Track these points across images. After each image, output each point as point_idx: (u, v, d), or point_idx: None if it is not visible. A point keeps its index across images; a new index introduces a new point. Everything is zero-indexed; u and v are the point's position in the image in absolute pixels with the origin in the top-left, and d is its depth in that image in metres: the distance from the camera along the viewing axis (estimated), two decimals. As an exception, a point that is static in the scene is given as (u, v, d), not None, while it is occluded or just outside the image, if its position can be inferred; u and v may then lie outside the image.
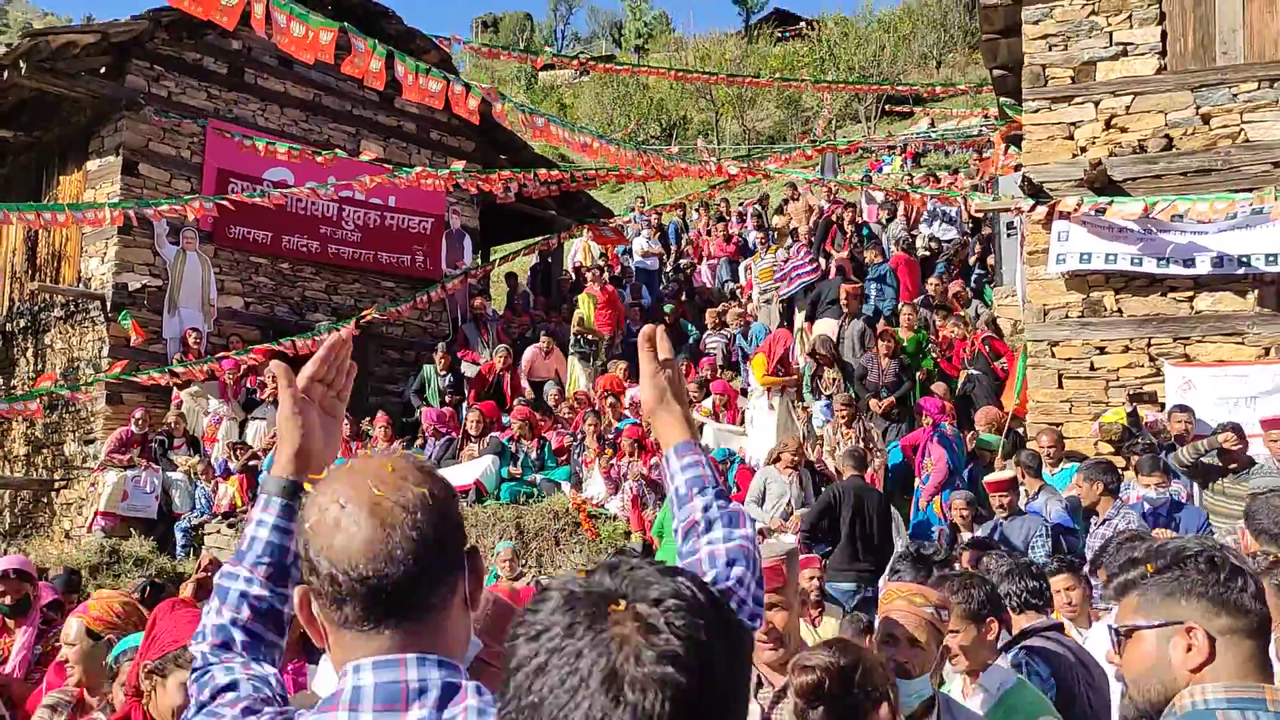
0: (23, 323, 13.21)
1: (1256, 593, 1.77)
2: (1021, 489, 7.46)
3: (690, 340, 12.92)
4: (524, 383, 12.01)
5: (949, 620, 2.87)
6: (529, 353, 12.44)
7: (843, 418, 8.79)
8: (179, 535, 10.75)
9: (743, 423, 10.03)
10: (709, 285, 14.97)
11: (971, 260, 13.29)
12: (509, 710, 0.92)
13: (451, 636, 1.31)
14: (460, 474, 9.89)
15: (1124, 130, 8.31)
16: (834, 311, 10.84)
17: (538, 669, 0.90)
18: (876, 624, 2.97)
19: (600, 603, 0.92)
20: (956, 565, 4.26)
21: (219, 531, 10.66)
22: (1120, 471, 6.97)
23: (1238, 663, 1.73)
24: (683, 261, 15.98)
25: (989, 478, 6.87)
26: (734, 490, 8.75)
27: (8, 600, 4.56)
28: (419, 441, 10.96)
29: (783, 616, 2.56)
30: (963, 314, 10.91)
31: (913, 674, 2.57)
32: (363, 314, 12.46)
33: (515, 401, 10.96)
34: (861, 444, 8.52)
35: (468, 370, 12.13)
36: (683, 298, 14.33)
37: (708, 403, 10.30)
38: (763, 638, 2.54)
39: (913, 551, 3.43)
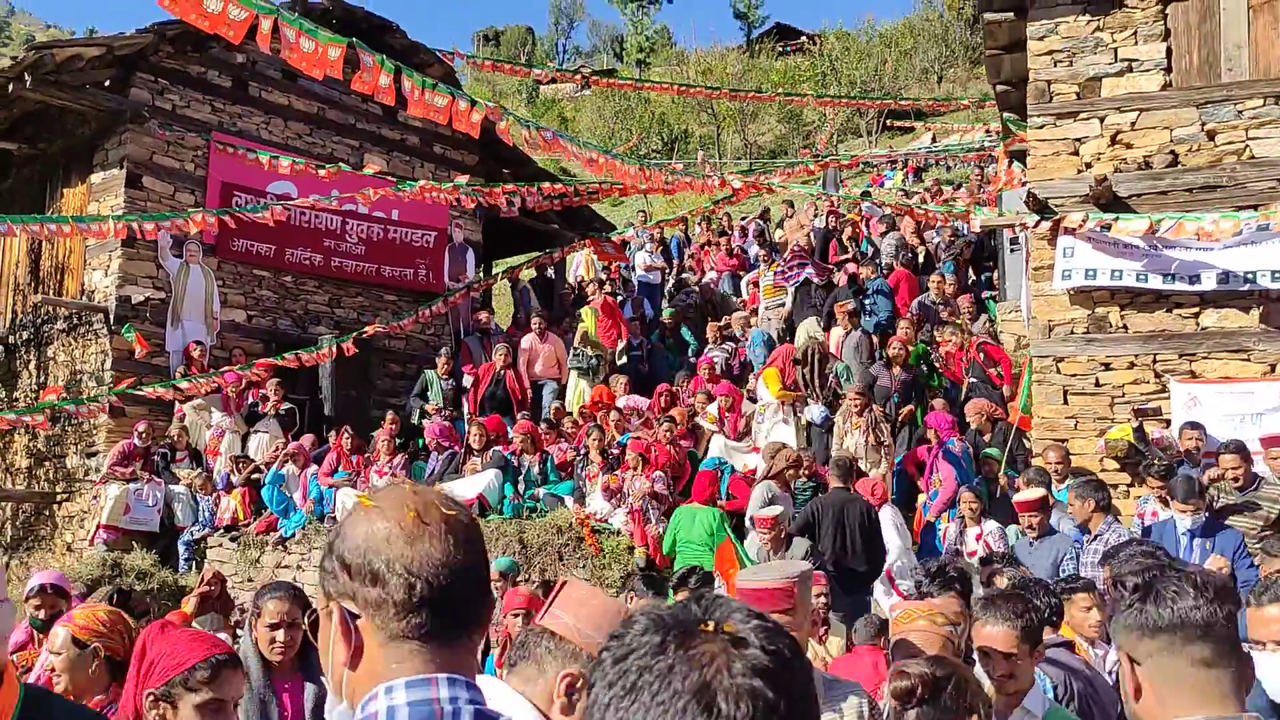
0: (26, 335, 13.20)
1: (1211, 614, 1.74)
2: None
3: (690, 350, 12.91)
4: (526, 383, 11.98)
5: (964, 637, 2.88)
6: (525, 342, 12.40)
7: (855, 407, 8.82)
8: (181, 549, 10.72)
9: (748, 431, 10.01)
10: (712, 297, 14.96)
11: (973, 267, 13.31)
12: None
13: (475, 661, 1.35)
14: (463, 488, 9.86)
15: (1129, 146, 8.31)
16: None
17: (630, 686, 0.95)
18: (892, 640, 2.97)
19: (689, 624, 0.98)
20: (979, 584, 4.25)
21: (221, 545, 10.63)
22: (1109, 487, 6.97)
23: (1192, 686, 1.71)
24: (685, 275, 15.98)
25: (1018, 497, 6.74)
26: (727, 499, 8.81)
27: (41, 614, 4.62)
28: (418, 454, 10.91)
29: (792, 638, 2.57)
30: (958, 321, 10.90)
31: None
32: (364, 330, 12.44)
33: (520, 415, 10.94)
34: (873, 435, 8.67)
35: (469, 382, 12.12)
36: (693, 304, 14.27)
37: (713, 408, 10.29)
38: None
39: (942, 569, 3.41)
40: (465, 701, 1.25)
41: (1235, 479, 6.56)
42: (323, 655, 1.34)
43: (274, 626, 3.78)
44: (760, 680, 0.93)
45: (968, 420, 9.20)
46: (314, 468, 10.60)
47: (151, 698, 2.47)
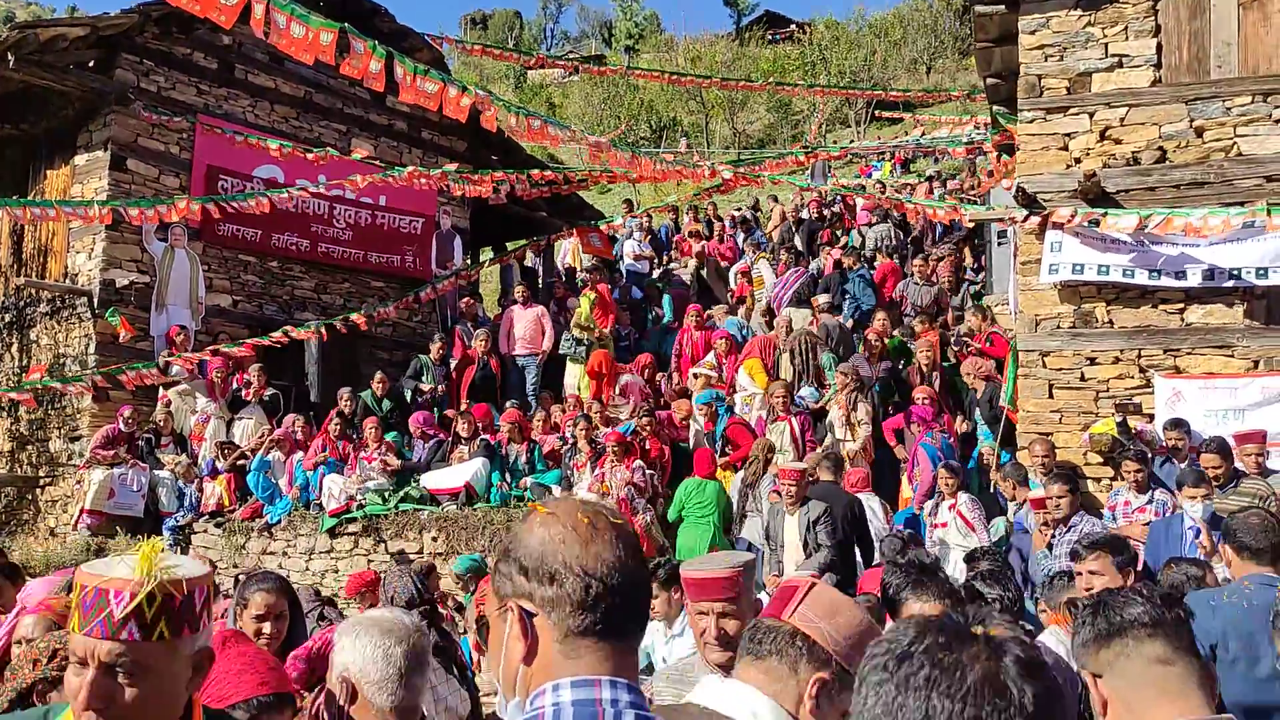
0: (8, 318, 13.08)
1: (1139, 609, 1.80)
2: (1011, 504, 7.53)
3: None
4: (516, 349, 11.98)
5: None
6: (511, 314, 12.35)
7: (840, 384, 8.92)
8: (166, 534, 10.66)
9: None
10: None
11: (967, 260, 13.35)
12: (856, 705, 1.11)
13: (637, 663, 1.44)
14: (450, 477, 9.86)
15: (1118, 142, 8.34)
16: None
17: (922, 681, 1.07)
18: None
19: (962, 629, 1.12)
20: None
21: (206, 531, 10.59)
22: (1086, 480, 7.03)
23: (1154, 685, 1.75)
24: (672, 265, 15.97)
25: (1033, 495, 6.81)
26: (727, 446, 9.25)
27: None
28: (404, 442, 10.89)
29: (735, 625, 2.64)
30: (983, 304, 10.92)
31: None
32: (349, 317, 12.37)
33: (508, 403, 10.92)
34: (859, 412, 8.94)
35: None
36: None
37: (711, 357, 10.39)
38: (713, 641, 2.66)
39: (916, 563, 3.46)
40: (626, 705, 1.32)
41: (1216, 477, 6.62)
42: (493, 654, 1.41)
43: (260, 618, 3.72)
44: (1036, 672, 1.08)
45: (963, 375, 9.39)
46: (299, 454, 10.56)
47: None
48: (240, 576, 8.09)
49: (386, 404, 11.37)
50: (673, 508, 8.82)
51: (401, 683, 2.40)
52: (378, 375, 11.74)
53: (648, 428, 9.54)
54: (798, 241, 14.56)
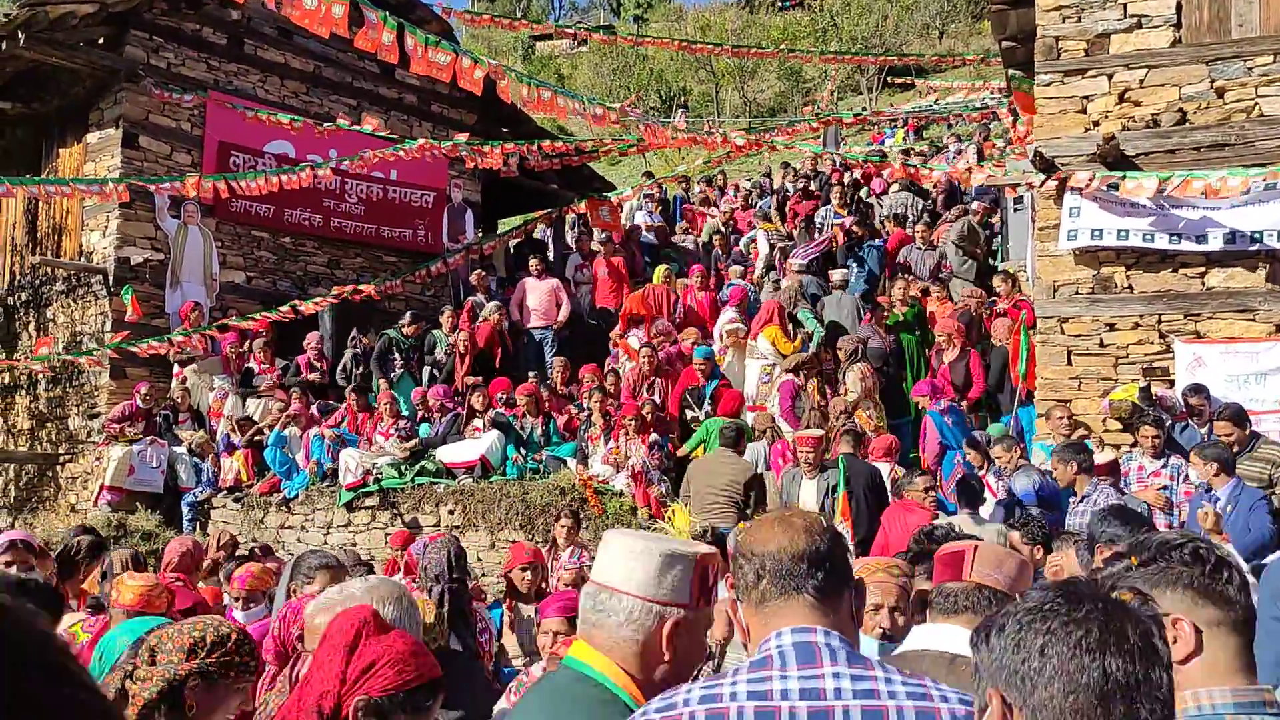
0: (24, 296, 13.14)
1: (1241, 585, 1.80)
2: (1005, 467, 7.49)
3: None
4: (530, 321, 11.99)
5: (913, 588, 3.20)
6: (524, 285, 12.33)
7: (866, 382, 8.93)
8: (185, 509, 10.74)
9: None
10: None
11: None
12: (1013, 666, 1.27)
13: (844, 626, 1.73)
14: (465, 450, 9.89)
15: (1137, 104, 8.22)
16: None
17: (1100, 642, 1.24)
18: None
19: (1083, 594, 1.31)
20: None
21: (225, 506, 10.67)
22: (1123, 449, 6.98)
23: (1227, 657, 1.74)
24: (684, 236, 15.88)
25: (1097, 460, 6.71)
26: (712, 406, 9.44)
27: (14, 570, 4.58)
28: (420, 416, 10.89)
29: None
30: (1010, 269, 10.86)
31: (896, 639, 2.84)
32: (358, 287, 12.36)
33: (531, 375, 10.94)
34: (848, 380, 9.05)
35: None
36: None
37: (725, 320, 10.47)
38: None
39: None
40: (838, 645, 1.66)
41: (1231, 445, 6.58)
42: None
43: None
44: (1147, 625, 1.27)
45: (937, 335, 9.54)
46: (315, 429, 10.59)
47: (364, 705, 1.97)
48: (256, 549, 8.20)
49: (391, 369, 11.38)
50: (690, 442, 9.11)
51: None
52: (409, 316, 11.75)
53: (649, 360, 9.86)
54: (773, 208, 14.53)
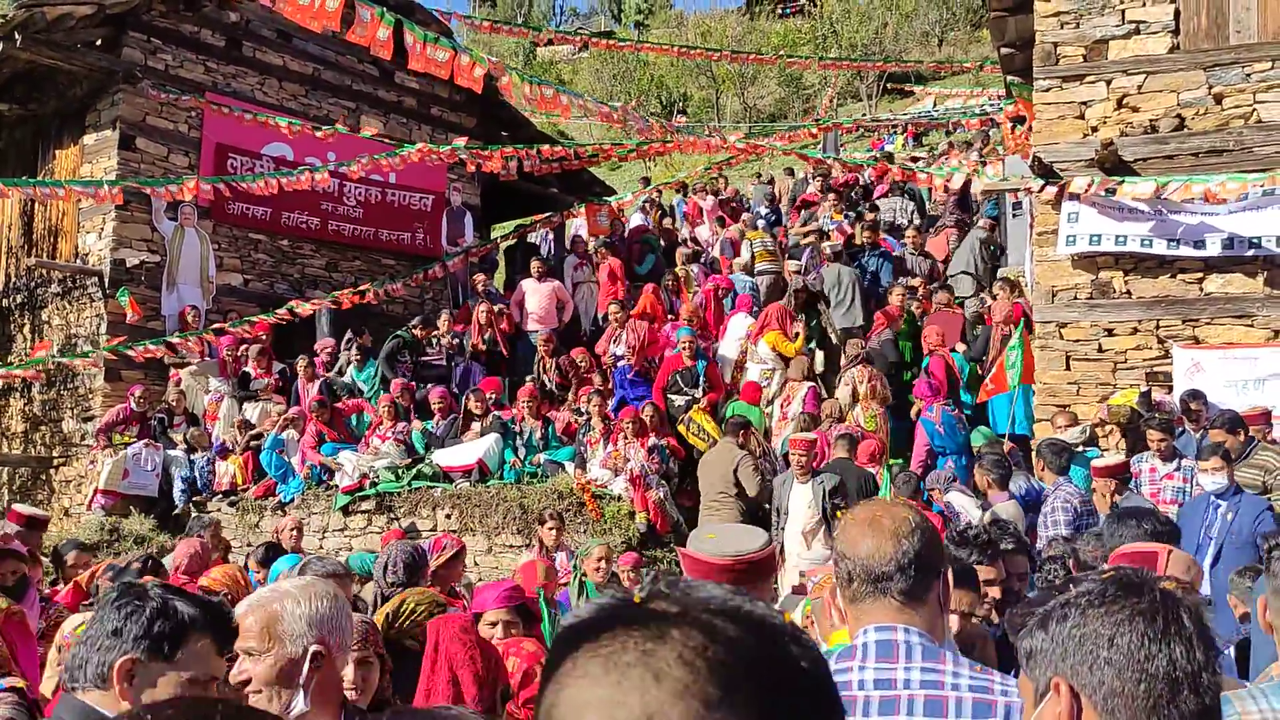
0: (19, 298, 13.10)
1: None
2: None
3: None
4: (529, 324, 11.95)
5: None
6: (522, 288, 12.30)
7: (870, 387, 8.94)
8: (179, 496, 10.68)
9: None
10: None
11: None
12: (1080, 655, 1.30)
13: (929, 624, 1.85)
14: (463, 453, 9.85)
15: (1135, 110, 8.22)
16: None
17: (1163, 632, 1.28)
18: (813, 606, 3.19)
19: (1139, 583, 1.35)
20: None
21: (220, 510, 10.61)
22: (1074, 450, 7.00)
23: None
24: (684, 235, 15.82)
25: (1097, 462, 6.57)
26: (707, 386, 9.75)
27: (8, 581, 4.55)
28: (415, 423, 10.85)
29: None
30: (1010, 276, 10.88)
31: None
32: (360, 290, 12.34)
33: (529, 379, 10.90)
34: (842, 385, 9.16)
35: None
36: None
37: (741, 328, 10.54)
38: None
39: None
40: (918, 643, 1.80)
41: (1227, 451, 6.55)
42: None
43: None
44: (1198, 614, 1.32)
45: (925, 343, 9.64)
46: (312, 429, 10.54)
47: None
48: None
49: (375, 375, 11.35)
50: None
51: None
52: (416, 320, 11.73)
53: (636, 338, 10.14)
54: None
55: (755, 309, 10.81)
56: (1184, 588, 2.78)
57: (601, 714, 0.70)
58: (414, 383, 11.10)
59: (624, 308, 11.04)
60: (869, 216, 12.84)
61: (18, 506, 6.14)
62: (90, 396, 11.96)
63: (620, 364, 10.60)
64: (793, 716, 0.70)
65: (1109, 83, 8.29)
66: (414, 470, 9.81)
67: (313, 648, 2.04)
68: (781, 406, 9.45)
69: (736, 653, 0.71)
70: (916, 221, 13.35)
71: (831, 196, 14.41)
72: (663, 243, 14.29)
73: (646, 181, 17.27)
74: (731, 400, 9.77)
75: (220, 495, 10.66)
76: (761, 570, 2.47)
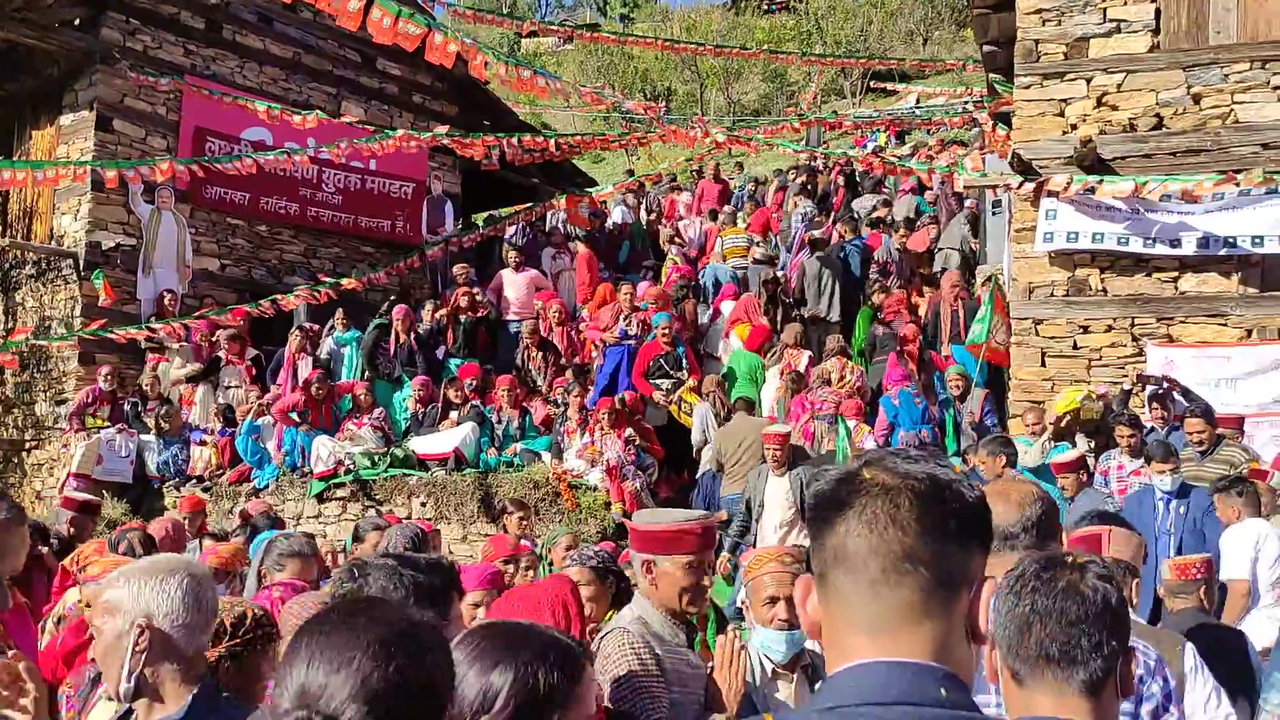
0: (-7, 280, 12.95)
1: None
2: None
3: None
4: (508, 314, 11.94)
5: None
6: (500, 277, 12.30)
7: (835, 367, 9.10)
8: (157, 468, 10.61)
9: None
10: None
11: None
12: (1008, 622, 1.68)
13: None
14: (440, 442, 9.81)
15: (1115, 108, 8.26)
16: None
17: (1037, 589, 1.69)
18: (745, 588, 3.20)
19: (1057, 560, 1.75)
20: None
21: (194, 495, 10.52)
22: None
23: None
24: (658, 227, 15.80)
25: (1057, 458, 6.68)
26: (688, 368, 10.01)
27: None
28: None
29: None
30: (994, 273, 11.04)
31: (795, 627, 2.81)
32: (341, 282, 12.26)
33: (513, 370, 10.87)
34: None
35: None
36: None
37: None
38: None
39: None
40: None
41: (1200, 442, 6.62)
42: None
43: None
44: (1105, 583, 1.70)
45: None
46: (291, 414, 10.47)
47: None
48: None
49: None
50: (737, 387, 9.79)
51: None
52: (399, 307, 11.31)
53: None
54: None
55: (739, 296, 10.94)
56: (1128, 566, 2.95)
57: (864, 525, 1.20)
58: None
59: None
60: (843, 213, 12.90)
61: (69, 493, 6.19)
62: (64, 379, 11.84)
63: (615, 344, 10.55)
64: (963, 522, 1.20)
65: (1089, 81, 8.34)
66: (389, 457, 9.76)
67: (140, 622, 2.06)
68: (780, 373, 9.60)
69: (932, 488, 1.20)
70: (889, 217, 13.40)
71: (805, 192, 14.46)
72: (646, 234, 14.30)
73: (631, 173, 17.20)
74: (733, 353, 10.27)
75: (194, 480, 10.57)
76: (712, 536, 2.84)
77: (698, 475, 9.23)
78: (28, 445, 12.18)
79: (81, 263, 11.73)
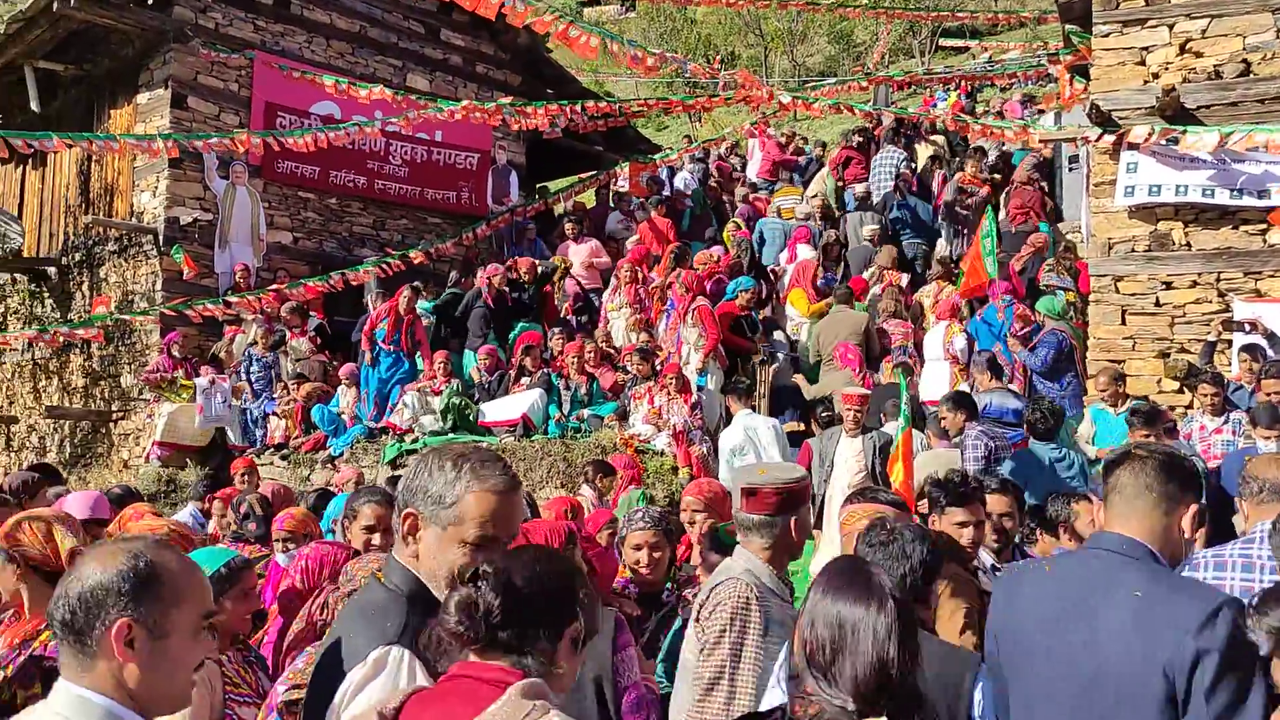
0: (78, 256, 13.38)
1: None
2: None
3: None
4: (577, 287, 12.00)
5: None
6: (564, 249, 12.38)
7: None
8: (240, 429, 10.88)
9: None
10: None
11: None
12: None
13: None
14: (508, 407, 9.89)
15: (1199, 55, 7.93)
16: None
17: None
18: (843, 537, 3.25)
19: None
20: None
21: (272, 463, 10.80)
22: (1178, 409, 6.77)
23: None
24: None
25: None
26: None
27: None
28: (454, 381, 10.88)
29: None
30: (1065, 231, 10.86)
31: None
32: (410, 254, 12.43)
33: (581, 336, 10.90)
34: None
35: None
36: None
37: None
38: None
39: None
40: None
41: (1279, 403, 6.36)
42: None
43: (370, 529, 3.98)
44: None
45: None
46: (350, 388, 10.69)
47: None
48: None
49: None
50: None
51: None
52: (491, 267, 11.54)
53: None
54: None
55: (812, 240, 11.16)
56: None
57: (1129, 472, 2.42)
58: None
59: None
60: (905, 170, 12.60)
61: (263, 489, 6.41)
62: (147, 353, 12.20)
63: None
64: (1184, 478, 2.38)
65: (1171, 27, 8.01)
66: (449, 421, 9.86)
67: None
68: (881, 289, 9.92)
69: (1164, 458, 2.39)
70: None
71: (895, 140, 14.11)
72: (709, 201, 14.18)
73: (690, 140, 17.06)
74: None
75: (272, 449, 10.84)
76: (802, 496, 2.97)
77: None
78: (115, 416, 12.61)
79: (161, 238, 12.05)
